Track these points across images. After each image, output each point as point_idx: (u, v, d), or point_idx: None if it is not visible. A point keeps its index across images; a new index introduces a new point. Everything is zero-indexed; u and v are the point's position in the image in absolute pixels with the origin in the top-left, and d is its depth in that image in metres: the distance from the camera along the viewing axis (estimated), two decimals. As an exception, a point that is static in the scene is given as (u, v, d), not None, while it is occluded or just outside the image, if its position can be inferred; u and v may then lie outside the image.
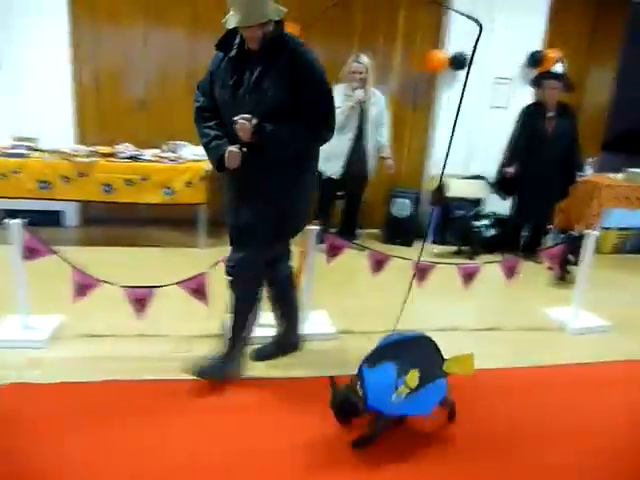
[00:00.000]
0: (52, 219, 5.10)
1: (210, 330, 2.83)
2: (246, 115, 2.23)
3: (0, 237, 2.82)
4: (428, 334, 2.30)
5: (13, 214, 2.85)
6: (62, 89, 4.96)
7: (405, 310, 3.08)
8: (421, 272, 3.02)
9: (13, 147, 4.50)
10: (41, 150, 4.56)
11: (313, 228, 3.00)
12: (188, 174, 4.47)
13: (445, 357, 2.23)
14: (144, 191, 4.43)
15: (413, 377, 2.03)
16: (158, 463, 1.98)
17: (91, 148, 4.58)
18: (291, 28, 4.95)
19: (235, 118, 2.24)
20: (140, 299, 2.68)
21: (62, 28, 4.85)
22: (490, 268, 3.26)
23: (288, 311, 2.82)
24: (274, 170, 2.37)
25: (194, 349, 2.72)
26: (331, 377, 2.13)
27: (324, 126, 2.41)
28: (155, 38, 5.14)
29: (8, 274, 2.76)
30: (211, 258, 2.74)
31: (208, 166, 4.14)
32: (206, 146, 2.43)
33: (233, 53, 2.34)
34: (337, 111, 4.48)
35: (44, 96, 4.84)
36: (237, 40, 2.33)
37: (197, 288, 2.73)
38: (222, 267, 2.55)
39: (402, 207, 5.40)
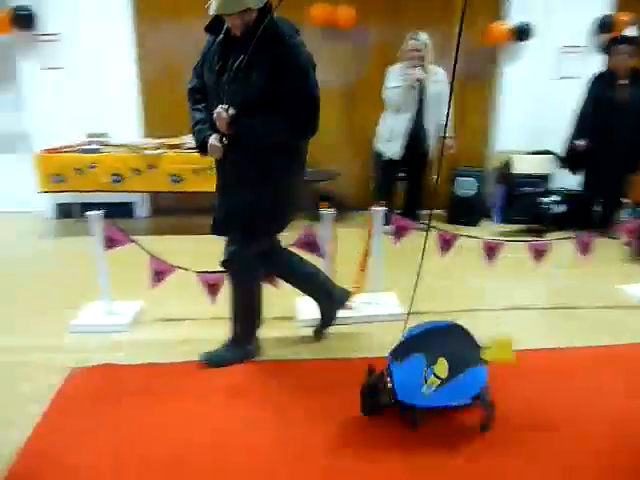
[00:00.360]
0: (125, 211, 5.36)
1: (280, 312, 2.91)
2: (224, 105, 2.19)
3: (76, 230, 2.96)
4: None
5: (89, 207, 3.00)
6: (129, 86, 5.21)
7: (473, 289, 3.02)
8: (490, 250, 2.97)
9: (87, 143, 4.75)
10: (112, 145, 4.79)
11: (378, 209, 3.01)
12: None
13: (481, 345, 2.10)
14: (210, 179, 4.51)
15: (442, 366, 1.97)
16: (237, 436, 2.06)
17: (158, 140, 4.76)
18: (346, 11, 4.98)
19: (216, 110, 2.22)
20: (212, 284, 2.78)
21: (127, 30, 5.11)
22: (562, 245, 3.16)
23: (310, 287, 2.78)
24: (257, 161, 2.32)
25: (264, 330, 2.79)
26: (370, 365, 2.11)
27: (306, 120, 2.29)
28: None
29: (89, 264, 2.93)
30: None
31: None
32: (192, 129, 2.45)
33: (221, 38, 2.30)
34: (394, 91, 4.55)
35: (112, 94, 5.11)
36: (226, 25, 2.27)
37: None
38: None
39: (466, 186, 5.29)
